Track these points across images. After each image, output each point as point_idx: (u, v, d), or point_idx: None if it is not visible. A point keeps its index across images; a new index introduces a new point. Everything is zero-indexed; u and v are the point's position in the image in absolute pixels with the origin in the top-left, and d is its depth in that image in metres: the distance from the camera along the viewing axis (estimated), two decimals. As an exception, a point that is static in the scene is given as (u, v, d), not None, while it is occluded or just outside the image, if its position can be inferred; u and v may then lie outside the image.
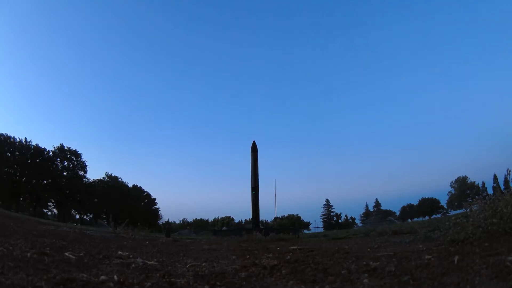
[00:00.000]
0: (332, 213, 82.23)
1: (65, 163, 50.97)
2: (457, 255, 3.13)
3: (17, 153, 45.19)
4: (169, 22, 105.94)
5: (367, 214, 76.71)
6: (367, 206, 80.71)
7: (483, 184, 56.16)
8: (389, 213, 61.08)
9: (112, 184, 56.03)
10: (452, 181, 63.05)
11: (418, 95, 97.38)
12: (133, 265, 3.46)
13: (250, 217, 25.60)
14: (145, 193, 61.32)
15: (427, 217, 55.63)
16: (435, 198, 61.00)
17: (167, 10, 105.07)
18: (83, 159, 52.15)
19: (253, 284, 2.71)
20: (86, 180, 53.23)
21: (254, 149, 25.61)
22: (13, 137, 45.61)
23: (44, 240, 5.24)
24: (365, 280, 2.53)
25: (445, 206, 60.97)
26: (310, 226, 63.90)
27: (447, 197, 62.47)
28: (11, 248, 3.45)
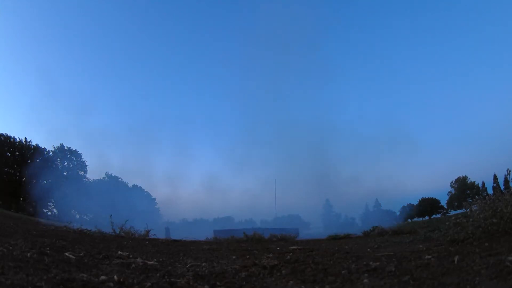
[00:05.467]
0: (332, 213, 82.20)
1: (65, 163, 51.04)
2: (457, 255, 3.14)
3: (17, 153, 45.24)
4: (171, 21, 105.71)
5: (367, 214, 76.68)
6: (367, 206, 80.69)
7: (483, 184, 56.01)
8: (389, 213, 61.00)
9: (112, 184, 56.04)
10: (452, 181, 63.00)
11: (418, 94, 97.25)
12: (133, 265, 3.46)
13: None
14: (145, 193, 61.36)
15: (427, 217, 55.56)
16: (435, 198, 60.90)
17: (170, 7, 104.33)
18: (83, 159, 52.28)
19: (253, 284, 2.71)
20: (86, 180, 53.28)
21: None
22: (13, 137, 45.71)
23: (44, 240, 5.24)
24: (365, 280, 2.53)
25: (445, 206, 60.92)
26: (310, 226, 63.84)
27: (447, 197, 62.37)
28: (11, 248, 3.45)
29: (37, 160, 44.93)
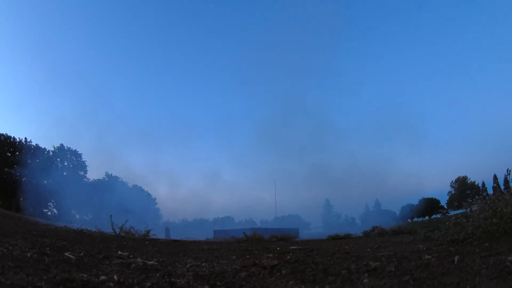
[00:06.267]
0: (332, 213, 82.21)
1: (65, 163, 51.08)
2: (457, 255, 3.14)
3: (17, 153, 45.28)
4: (174, 22, 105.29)
5: (367, 214, 76.70)
6: (367, 206, 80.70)
7: (483, 184, 55.99)
8: (389, 213, 61.04)
9: (112, 184, 56.02)
10: (452, 181, 63.06)
11: (418, 93, 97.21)
12: (133, 265, 3.46)
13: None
14: (145, 193, 61.34)
15: (427, 217, 55.56)
16: (435, 198, 60.92)
17: (178, 9, 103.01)
18: (83, 159, 52.38)
19: (253, 284, 2.71)
20: (86, 180, 53.32)
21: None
22: (13, 137, 45.78)
23: (44, 240, 5.24)
24: (365, 280, 2.53)
25: (445, 206, 60.94)
26: (310, 226, 63.95)
27: (447, 197, 62.43)
28: (11, 248, 3.45)
29: (37, 160, 45.00)
